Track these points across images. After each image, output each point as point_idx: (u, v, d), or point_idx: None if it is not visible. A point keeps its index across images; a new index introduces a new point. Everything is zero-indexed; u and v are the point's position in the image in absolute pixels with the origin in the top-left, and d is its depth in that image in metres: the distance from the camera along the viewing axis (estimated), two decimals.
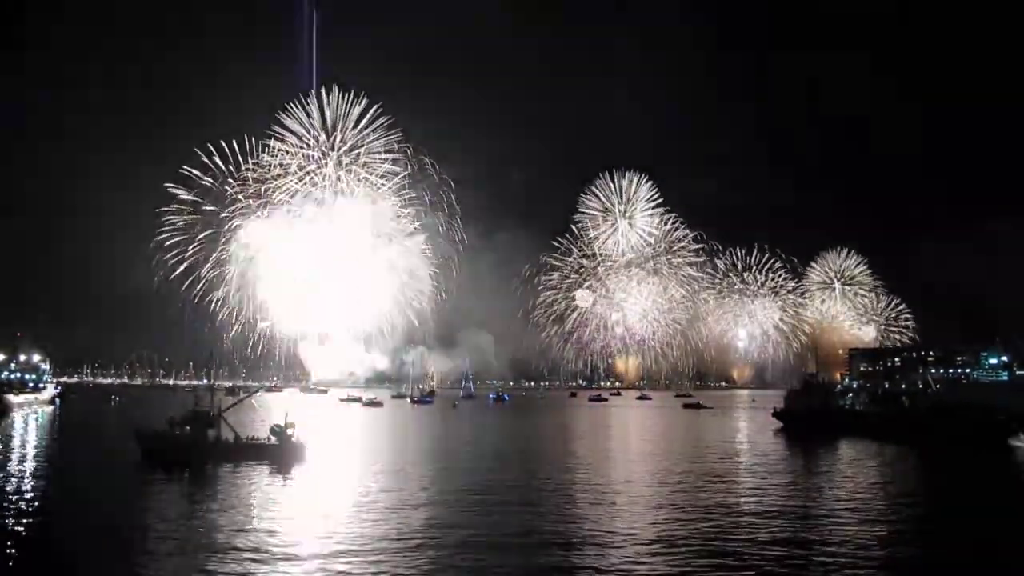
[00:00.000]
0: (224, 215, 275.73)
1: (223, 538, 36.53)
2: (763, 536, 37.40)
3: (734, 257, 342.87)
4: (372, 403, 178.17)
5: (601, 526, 39.54)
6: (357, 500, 46.73)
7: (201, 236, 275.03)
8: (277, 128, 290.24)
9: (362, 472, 60.80)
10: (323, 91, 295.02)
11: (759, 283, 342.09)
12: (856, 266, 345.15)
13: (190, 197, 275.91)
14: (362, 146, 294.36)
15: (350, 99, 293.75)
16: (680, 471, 61.45)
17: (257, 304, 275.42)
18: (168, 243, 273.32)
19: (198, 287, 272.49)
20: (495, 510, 43.85)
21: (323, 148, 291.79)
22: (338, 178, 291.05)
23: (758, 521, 40.92)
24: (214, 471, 57.01)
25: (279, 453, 62.96)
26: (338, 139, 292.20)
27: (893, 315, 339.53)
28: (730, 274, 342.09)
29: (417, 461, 69.46)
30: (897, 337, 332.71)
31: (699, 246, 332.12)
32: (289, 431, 65.38)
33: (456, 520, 40.77)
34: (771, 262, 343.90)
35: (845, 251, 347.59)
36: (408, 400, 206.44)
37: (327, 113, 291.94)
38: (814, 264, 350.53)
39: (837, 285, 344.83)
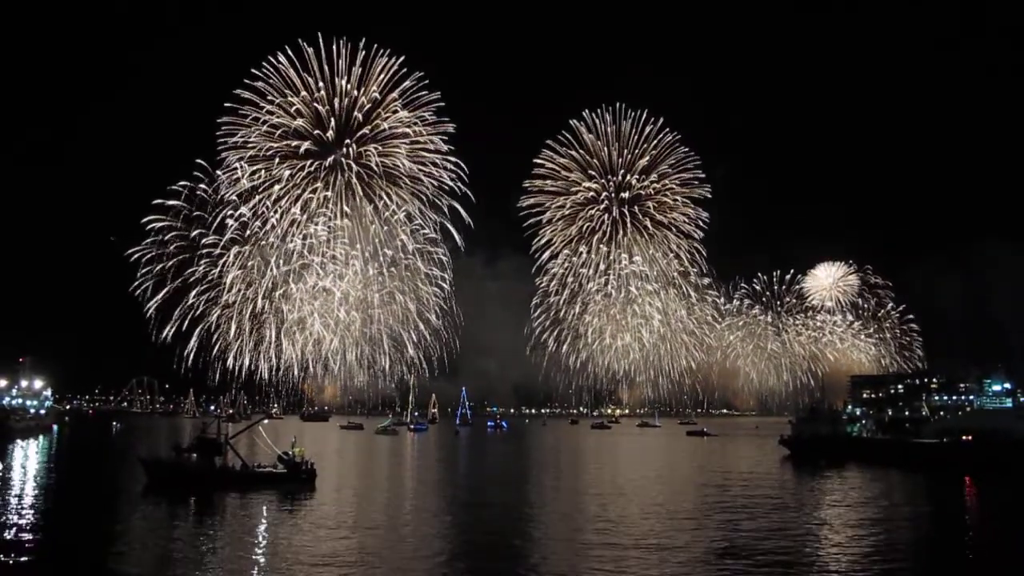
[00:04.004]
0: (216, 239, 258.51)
1: (230, 567, 36.08)
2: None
3: (733, 281, 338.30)
4: (385, 431, 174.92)
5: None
6: (366, 529, 46.10)
7: (194, 258, 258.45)
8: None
9: (370, 501, 60.13)
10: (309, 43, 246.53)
11: (762, 307, 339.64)
12: (858, 286, 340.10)
13: (174, 225, 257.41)
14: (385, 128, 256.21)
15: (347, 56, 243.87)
16: (699, 503, 60.80)
17: (259, 332, 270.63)
18: (159, 267, 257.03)
19: (197, 315, 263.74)
20: None
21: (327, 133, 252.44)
22: (348, 175, 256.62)
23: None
24: (222, 499, 56.37)
25: (288, 481, 62.32)
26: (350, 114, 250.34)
27: (897, 339, 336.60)
28: (733, 298, 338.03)
29: (424, 491, 68.84)
30: (905, 360, 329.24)
31: (697, 273, 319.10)
32: (298, 459, 64.83)
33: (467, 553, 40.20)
34: (773, 285, 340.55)
35: (846, 267, 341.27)
36: (407, 428, 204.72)
37: (334, 78, 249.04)
38: (813, 283, 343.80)
39: (837, 312, 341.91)
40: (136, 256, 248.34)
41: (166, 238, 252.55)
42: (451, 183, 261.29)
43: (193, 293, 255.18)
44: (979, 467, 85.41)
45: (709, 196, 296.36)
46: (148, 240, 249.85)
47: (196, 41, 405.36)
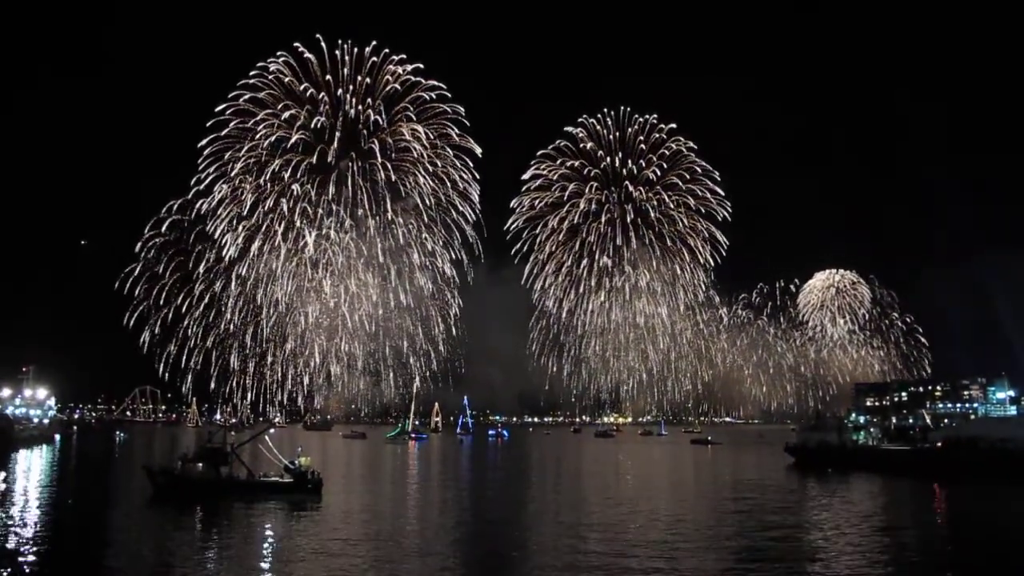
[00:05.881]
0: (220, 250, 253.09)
1: None
2: None
3: (736, 291, 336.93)
4: (395, 439, 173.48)
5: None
6: (373, 541, 45.83)
7: (198, 266, 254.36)
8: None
9: (377, 512, 59.84)
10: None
11: (765, 317, 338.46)
12: (862, 295, 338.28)
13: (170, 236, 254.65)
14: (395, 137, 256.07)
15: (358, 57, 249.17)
16: (710, 513, 60.42)
17: (261, 340, 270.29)
18: (159, 284, 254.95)
19: (196, 322, 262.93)
20: None
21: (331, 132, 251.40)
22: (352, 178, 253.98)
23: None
24: (227, 509, 56.07)
25: (294, 491, 62.03)
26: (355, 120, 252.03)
27: (901, 349, 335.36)
28: (736, 308, 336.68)
29: (429, 502, 68.56)
30: (909, 368, 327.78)
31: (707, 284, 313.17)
32: (304, 468, 64.55)
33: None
34: (776, 294, 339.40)
35: (851, 275, 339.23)
36: (409, 437, 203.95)
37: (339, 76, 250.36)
38: (813, 291, 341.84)
39: (840, 320, 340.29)
40: (135, 275, 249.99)
41: (163, 258, 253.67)
42: (461, 203, 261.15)
43: (194, 313, 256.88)
44: (984, 475, 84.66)
45: (728, 217, 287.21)
46: (144, 260, 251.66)
47: (193, 43, 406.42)
